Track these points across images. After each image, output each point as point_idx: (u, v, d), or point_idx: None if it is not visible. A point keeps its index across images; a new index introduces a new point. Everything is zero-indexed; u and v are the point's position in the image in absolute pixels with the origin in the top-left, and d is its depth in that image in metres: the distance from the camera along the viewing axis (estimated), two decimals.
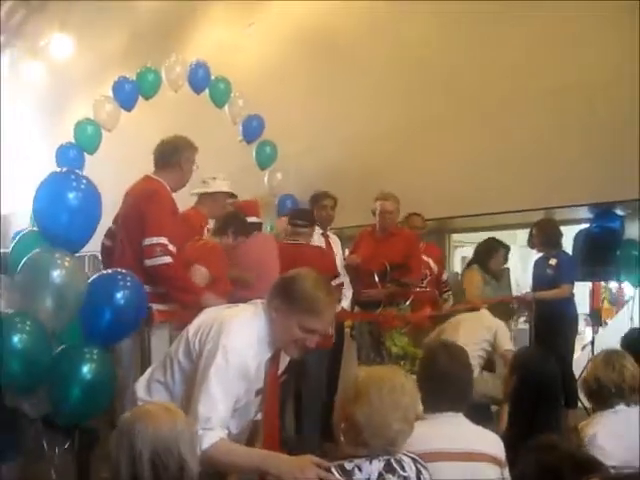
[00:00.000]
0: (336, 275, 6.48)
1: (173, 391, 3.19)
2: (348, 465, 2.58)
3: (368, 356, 5.81)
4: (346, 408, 2.64)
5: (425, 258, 7.20)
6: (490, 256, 6.97)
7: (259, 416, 3.34)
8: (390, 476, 2.58)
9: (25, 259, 4.00)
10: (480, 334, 6.11)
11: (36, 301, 3.93)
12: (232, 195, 6.38)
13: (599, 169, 6.46)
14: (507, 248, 7.15)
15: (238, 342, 2.99)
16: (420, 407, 2.78)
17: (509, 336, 6.24)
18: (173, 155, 5.16)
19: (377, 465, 2.58)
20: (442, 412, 3.17)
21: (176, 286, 4.89)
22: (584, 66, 6.61)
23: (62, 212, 4.16)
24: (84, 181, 4.29)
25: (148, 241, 4.77)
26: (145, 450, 2.22)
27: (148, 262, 4.76)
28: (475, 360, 5.83)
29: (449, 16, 7.76)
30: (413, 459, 2.69)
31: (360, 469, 2.57)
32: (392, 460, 2.62)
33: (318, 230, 6.98)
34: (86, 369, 3.82)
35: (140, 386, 3.30)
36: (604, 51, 6.40)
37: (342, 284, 6.60)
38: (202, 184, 6.18)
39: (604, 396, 3.63)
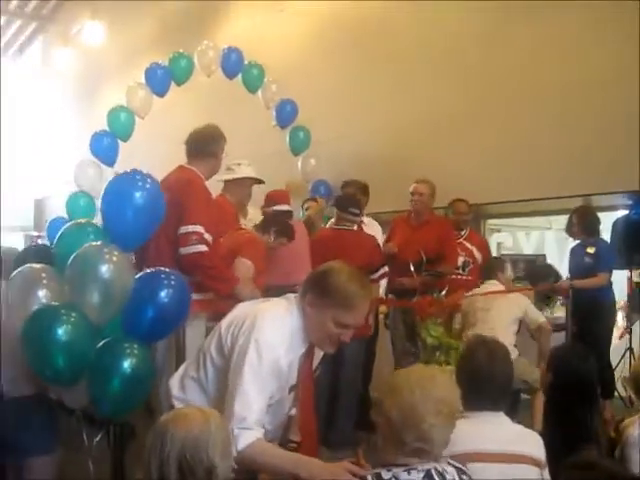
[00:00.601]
0: (384, 264, 6.42)
1: (207, 388, 3.15)
2: (385, 474, 2.49)
3: (403, 346, 5.74)
4: (381, 407, 2.58)
5: (469, 246, 7.10)
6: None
7: (293, 411, 3.30)
8: None
9: (75, 253, 4.00)
10: (512, 312, 6.08)
11: (83, 294, 3.94)
12: (259, 181, 6.33)
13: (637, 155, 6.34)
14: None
15: (271, 337, 2.94)
16: (459, 403, 2.63)
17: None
18: (209, 145, 5.18)
19: (416, 476, 2.48)
20: (483, 411, 3.11)
21: (210, 275, 4.87)
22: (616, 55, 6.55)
23: (128, 210, 4.22)
24: (149, 180, 4.32)
25: (184, 229, 4.76)
26: (173, 452, 2.20)
27: (183, 250, 4.75)
28: (512, 340, 5.89)
29: (477, 6, 7.67)
30: (458, 469, 2.60)
31: (398, 479, 2.49)
32: (433, 471, 2.51)
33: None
34: (126, 364, 3.80)
35: (174, 383, 3.26)
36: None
37: (387, 273, 6.51)
38: (227, 171, 6.11)
39: None
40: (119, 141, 8.19)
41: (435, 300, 6.04)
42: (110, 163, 8.12)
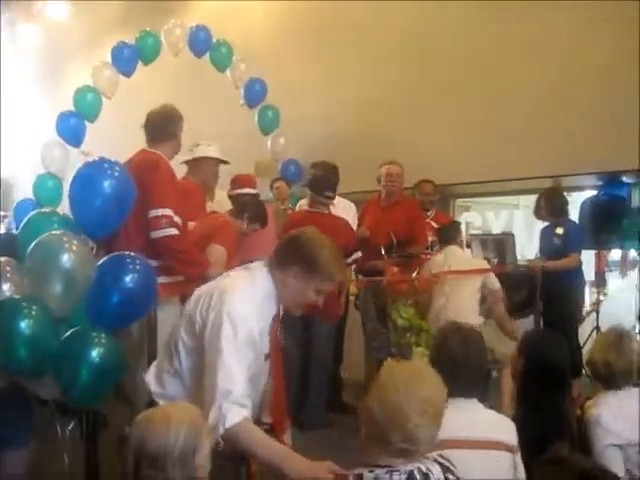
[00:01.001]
0: (357, 249, 6.41)
1: (183, 378, 3.12)
2: (368, 477, 2.46)
3: (374, 327, 5.75)
4: (366, 403, 2.54)
5: (435, 226, 7.06)
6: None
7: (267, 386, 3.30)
8: None
9: (33, 243, 3.93)
10: (474, 281, 6.17)
11: (44, 285, 3.88)
12: (222, 161, 6.24)
13: (606, 137, 6.39)
14: None
15: (241, 309, 2.95)
16: (444, 403, 2.59)
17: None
18: (169, 126, 5.15)
19: (398, 478, 2.44)
20: (456, 397, 3.11)
21: (181, 259, 4.86)
22: (592, 40, 6.57)
23: (96, 198, 4.18)
24: (117, 168, 4.27)
25: (153, 213, 4.74)
26: (132, 458, 2.23)
27: (153, 234, 4.74)
28: (476, 308, 6.10)
29: None
30: (444, 468, 2.57)
31: None
32: (416, 472, 2.47)
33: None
34: (94, 353, 3.77)
35: (151, 379, 3.22)
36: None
37: (360, 258, 6.50)
38: (188, 152, 6.01)
39: (612, 379, 3.57)
40: (86, 122, 8.07)
41: (406, 278, 6.05)
42: (76, 144, 8.02)
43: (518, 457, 3.09)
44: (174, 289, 4.88)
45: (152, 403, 2.96)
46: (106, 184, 4.17)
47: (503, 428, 3.12)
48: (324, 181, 6.65)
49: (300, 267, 3.06)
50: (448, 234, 6.59)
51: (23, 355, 3.71)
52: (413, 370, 2.61)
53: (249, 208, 5.88)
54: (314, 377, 6.31)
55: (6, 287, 3.99)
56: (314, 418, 6.18)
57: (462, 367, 3.14)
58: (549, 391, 3.52)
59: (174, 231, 4.76)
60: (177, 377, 3.13)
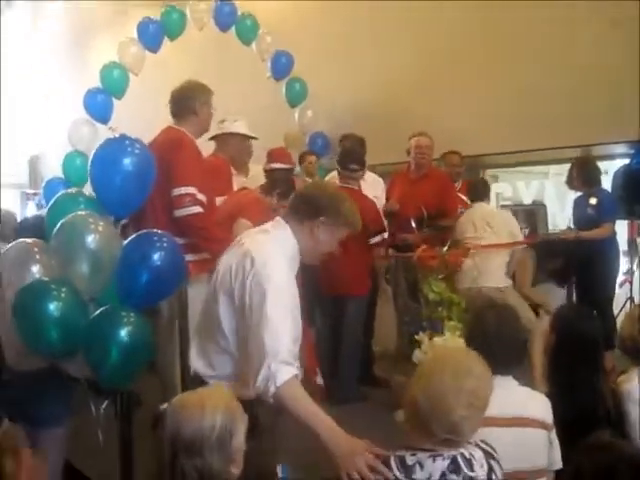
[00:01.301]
0: (382, 230, 6.38)
1: (232, 354, 3.09)
2: (410, 459, 2.41)
3: (405, 302, 5.72)
4: (410, 390, 2.49)
5: (463, 197, 7.00)
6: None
7: None
8: (454, 477, 2.39)
9: (59, 224, 3.93)
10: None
11: (71, 266, 3.87)
12: (249, 137, 6.23)
13: (637, 104, 6.25)
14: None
15: (279, 269, 2.98)
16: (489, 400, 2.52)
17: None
18: (187, 102, 5.07)
19: (441, 464, 2.39)
20: (493, 375, 3.08)
21: (206, 236, 4.82)
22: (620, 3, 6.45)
23: (116, 177, 4.11)
24: (138, 145, 4.21)
25: (177, 191, 4.73)
26: (168, 444, 2.21)
27: (177, 213, 4.73)
28: (504, 268, 6.35)
29: None
30: (487, 453, 2.51)
31: (422, 466, 2.40)
32: (459, 458, 2.42)
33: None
34: (123, 332, 3.75)
35: (197, 362, 3.21)
36: None
37: (384, 241, 6.49)
38: (216, 128, 5.97)
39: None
40: (113, 98, 8.06)
41: (437, 253, 6.00)
42: (104, 121, 8.03)
43: (553, 434, 3.07)
44: (202, 266, 4.85)
45: (202, 384, 2.95)
46: (127, 161, 4.11)
47: (538, 405, 3.09)
48: (350, 154, 6.60)
49: (326, 217, 3.12)
50: (477, 189, 6.72)
51: (53, 337, 3.71)
52: (461, 361, 2.55)
53: (280, 184, 5.84)
54: (345, 352, 6.31)
55: (35, 269, 3.97)
56: (347, 392, 6.17)
57: (496, 344, 3.08)
58: (582, 367, 3.50)
59: (198, 209, 4.74)
60: (226, 355, 3.11)
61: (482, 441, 2.55)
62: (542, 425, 3.04)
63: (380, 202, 6.85)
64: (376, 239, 6.23)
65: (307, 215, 3.13)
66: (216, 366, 3.14)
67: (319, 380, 3.23)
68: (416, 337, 5.09)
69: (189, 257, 4.72)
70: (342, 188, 6.24)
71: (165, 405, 3.00)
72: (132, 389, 3.92)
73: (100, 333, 3.76)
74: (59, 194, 4.55)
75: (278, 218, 3.23)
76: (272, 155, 6.36)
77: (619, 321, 6.54)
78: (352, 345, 6.34)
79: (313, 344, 3.20)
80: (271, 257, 2.99)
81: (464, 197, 6.96)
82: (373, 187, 6.89)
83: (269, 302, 2.87)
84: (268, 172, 6.18)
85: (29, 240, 4.14)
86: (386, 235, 6.42)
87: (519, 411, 3.01)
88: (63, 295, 3.78)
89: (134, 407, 3.89)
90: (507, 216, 6.75)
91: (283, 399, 2.80)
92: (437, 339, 4.91)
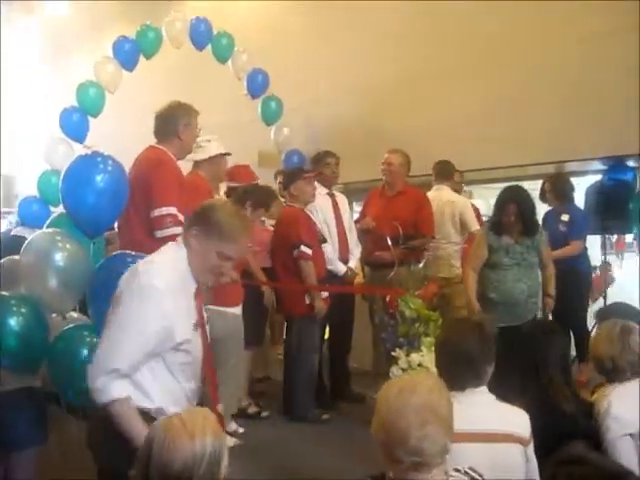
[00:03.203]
0: (323, 241, 6.54)
1: None
2: None
3: (381, 318, 5.76)
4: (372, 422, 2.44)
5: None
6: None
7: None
8: None
9: (27, 241, 3.98)
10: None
11: (40, 283, 3.90)
12: (226, 153, 6.27)
13: (610, 121, 6.36)
14: None
15: (151, 280, 2.96)
16: (449, 406, 2.42)
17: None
18: (169, 124, 5.05)
19: None
20: (464, 390, 3.14)
21: None
22: (591, 20, 6.51)
23: (88, 194, 4.17)
24: (110, 162, 4.24)
25: (158, 212, 4.72)
26: (155, 470, 2.14)
27: (159, 233, 4.70)
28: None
29: None
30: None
31: None
32: None
33: (323, 190, 6.93)
34: (86, 351, 3.77)
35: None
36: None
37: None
38: (197, 149, 5.91)
39: (619, 373, 3.56)
40: (89, 117, 8.08)
41: (405, 291, 5.99)
42: (80, 139, 8.03)
43: (531, 449, 3.09)
44: None
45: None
46: (99, 178, 4.13)
47: (515, 420, 3.11)
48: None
49: (199, 227, 3.10)
50: (443, 168, 7.22)
51: (13, 350, 3.74)
52: (404, 382, 2.46)
53: (250, 195, 5.91)
54: (291, 372, 6.45)
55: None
56: (302, 412, 6.34)
57: (463, 359, 3.14)
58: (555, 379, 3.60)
59: (179, 229, 4.73)
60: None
61: (470, 469, 2.50)
62: (519, 440, 3.06)
63: (348, 217, 7.07)
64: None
65: (186, 227, 3.18)
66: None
67: (220, 408, 3.21)
68: (393, 353, 5.14)
69: None
70: (287, 207, 6.52)
71: (156, 422, 3.03)
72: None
73: (64, 351, 3.77)
74: (37, 233, 4.54)
75: (177, 239, 3.24)
76: (230, 174, 6.46)
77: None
78: (297, 365, 6.43)
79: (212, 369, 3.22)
80: (147, 271, 3.00)
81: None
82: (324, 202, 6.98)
83: (122, 311, 2.91)
84: (232, 189, 6.30)
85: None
86: (327, 246, 6.57)
87: (496, 426, 3.04)
88: (24, 310, 3.81)
89: None
90: (463, 204, 7.17)
91: (111, 414, 2.83)
92: (414, 355, 4.96)
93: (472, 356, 3.17)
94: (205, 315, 3.24)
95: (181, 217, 4.76)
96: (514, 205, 5.63)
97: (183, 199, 4.92)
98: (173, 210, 4.73)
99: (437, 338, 3.55)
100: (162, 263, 3.08)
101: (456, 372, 3.12)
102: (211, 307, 5.31)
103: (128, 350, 2.87)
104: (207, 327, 3.21)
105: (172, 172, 4.92)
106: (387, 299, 5.74)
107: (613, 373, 3.60)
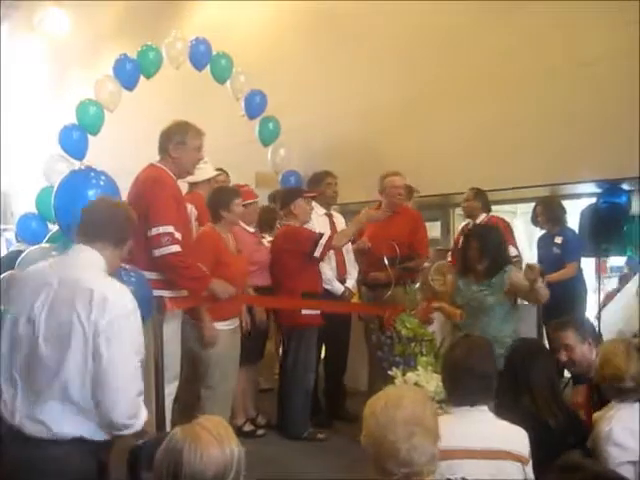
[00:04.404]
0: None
1: None
2: None
3: (377, 338, 5.79)
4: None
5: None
6: None
7: None
8: None
9: (20, 257, 3.99)
10: None
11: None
12: (219, 169, 6.43)
13: (605, 144, 6.41)
14: None
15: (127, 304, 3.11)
16: (433, 416, 2.55)
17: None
18: (163, 142, 5.05)
19: None
20: (464, 406, 3.19)
21: (184, 275, 4.87)
22: (588, 45, 6.57)
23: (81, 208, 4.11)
24: (103, 177, 4.24)
25: (155, 230, 4.72)
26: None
27: (156, 252, 4.72)
28: None
29: None
30: None
31: None
32: None
33: (321, 210, 6.97)
34: None
35: None
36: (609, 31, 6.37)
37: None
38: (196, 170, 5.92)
39: (624, 391, 3.52)
40: (88, 135, 8.11)
41: (402, 307, 5.99)
42: (79, 157, 8.05)
43: (529, 467, 3.14)
44: (180, 303, 4.95)
45: None
46: (91, 193, 4.13)
47: (512, 437, 3.16)
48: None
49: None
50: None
51: None
52: (389, 396, 2.56)
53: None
54: (291, 390, 6.43)
55: None
56: (297, 430, 6.36)
57: (467, 375, 3.20)
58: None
59: (176, 248, 4.75)
60: None
61: (463, 479, 2.61)
62: (519, 458, 3.11)
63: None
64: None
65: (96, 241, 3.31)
66: None
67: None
68: (389, 372, 5.16)
69: (165, 293, 4.82)
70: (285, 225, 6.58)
71: (142, 440, 3.05)
72: None
73: None
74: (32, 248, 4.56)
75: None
76: None
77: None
78: (293, 383, 6.42)
79: None
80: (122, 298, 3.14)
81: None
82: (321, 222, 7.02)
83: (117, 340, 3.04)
84: None
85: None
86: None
87: (492, 443, 3.09)
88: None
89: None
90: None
91: None
92: (410, 374, 4.98)
93: (486, 372, 3.26)
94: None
95: (178, 235, 4.78)
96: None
97: (182, 218, 4.98)
98: (170, 229, 4.73)
99: (446, 356, 3.56)
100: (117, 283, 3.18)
101: (469, 389, 3.18)
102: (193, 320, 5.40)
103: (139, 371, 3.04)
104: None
105: (169, 190, 4.89)
106: (386, 316, 5.76)
107: (618, 393, 3.55)
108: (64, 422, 3.00)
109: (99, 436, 3.07)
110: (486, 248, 5.35)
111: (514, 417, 3.29)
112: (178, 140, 5.02)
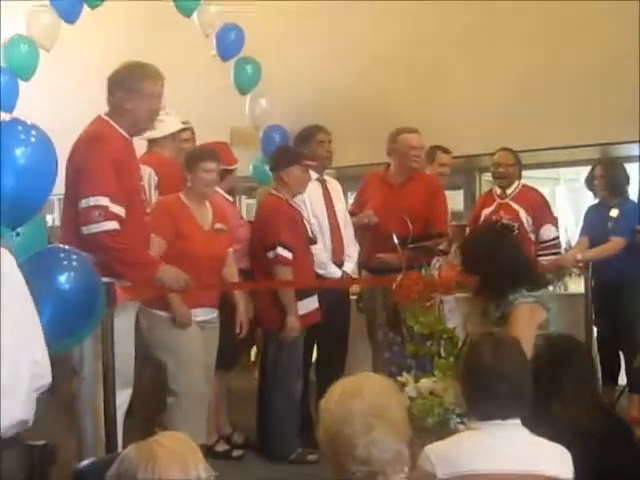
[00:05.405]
0: (313, 241, 6.49)
1: None
2: None
3: (385, 336, 5.76)
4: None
5: (515, 206, 7.05)
6: None
7: None
8: None
9: None
10: None
11: None
12: (184, 123, 6.43)
13: None
14: None
15: None
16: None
17: None
18: (113, 89, 4.92)
19: None
20: (492, 420, 3.17)
21: (120, 259, 4.74)
22: None
23: (7, 173, 3.97)
24: (34, 132, 4.14)
25: (84, 203, 4.60)
26: None
27: (84, 230, 4.60)
28: None
29: None
30: None
31: None
32: None
33: (312, 175, 6.84)
34: None
35: None
36: None
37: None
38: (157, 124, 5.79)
39: None
40: (19, 80, 8.06)
41: (422, 278, 5.98)
42: (8, 108, 8.00)
43: None
44: (132, 292, 4.89)
45: None
46: (18, 152, 4.01)
47: (552, 459, 3.15)
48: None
49: None
50: None
51: None
52: (346, 386, 2.65)
53: None
54: (271, 403, 6.43)
55: None
56: (282, 450, 6.33)
57: (496, 382, 3.19)
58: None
59: (111, 225, 4.61)
60: None
61: None
62: None
63: (343, 207, 7.00)
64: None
65: None
66: None
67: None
68: (399, 378, 5.14)
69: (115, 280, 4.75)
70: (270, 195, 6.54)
71: (86, 462, 3.06)
72: (48, 442, 3.91)
73: None
74: None
75: None
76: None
77: None
78: (274, 394, 6.42)
79: None
80: None
81: (516, 206, 7.05)
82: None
83: None
84: None
85: None
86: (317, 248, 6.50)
87: (533, 467, 3.07)
88: None
89: (49, 464, 3.87)
90: None
91: None
92: (424, 380, 4.95)
93: (519, 377, 3.25)
94: None
95: (116, 209, 4.65)
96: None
97: (127, 186, 4.81)
98: (104, 201, 4.59)
99: (468, 358, 3.55)
100: None
101: (499, 398, 3.17)
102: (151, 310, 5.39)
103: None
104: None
105: (107, 152, 4.73)
106: (396, 284, 5.64)
107: None
108: None
109: None
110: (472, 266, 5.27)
111: (545, 432, 3.29)
112: (130, 87, 4.89)
